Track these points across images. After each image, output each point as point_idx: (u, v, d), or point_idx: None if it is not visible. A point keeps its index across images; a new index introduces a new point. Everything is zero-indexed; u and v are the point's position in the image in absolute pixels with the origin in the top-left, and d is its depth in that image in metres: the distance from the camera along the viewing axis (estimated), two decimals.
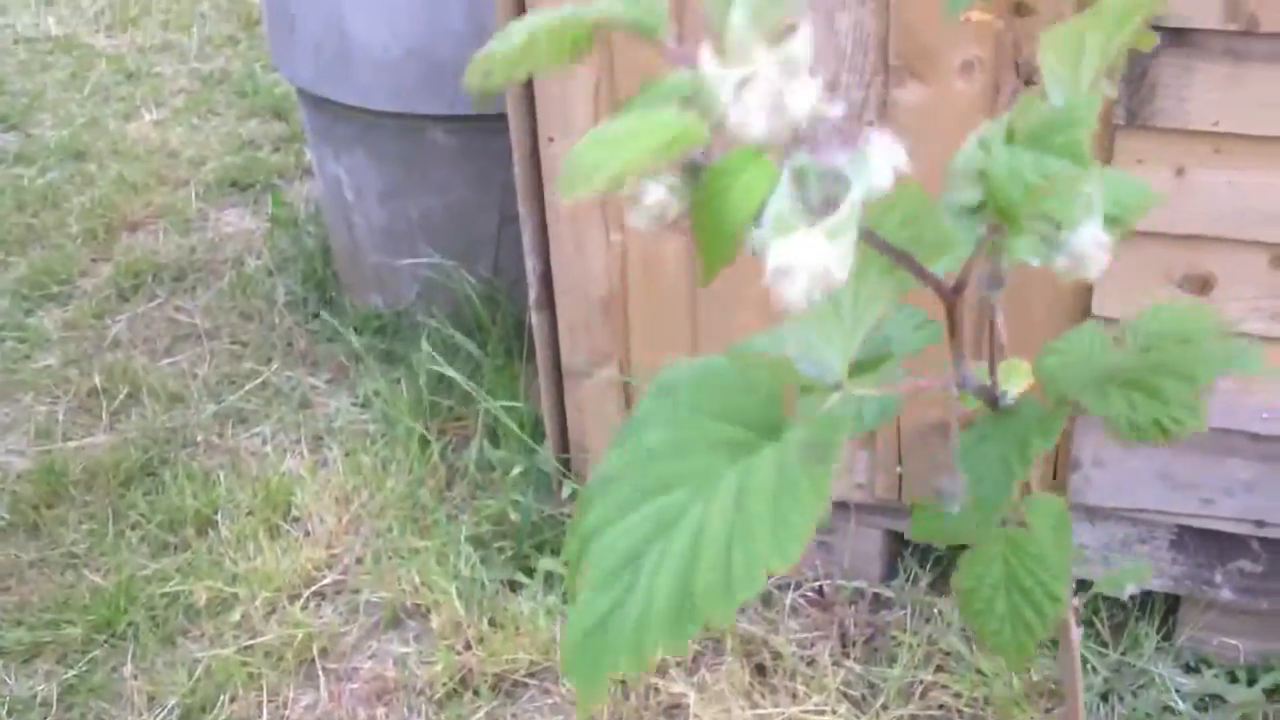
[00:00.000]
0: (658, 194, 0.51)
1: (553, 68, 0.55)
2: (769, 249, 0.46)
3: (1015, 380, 0.69)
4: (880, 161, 0.48)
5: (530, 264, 1.95)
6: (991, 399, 0.69)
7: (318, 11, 2.38)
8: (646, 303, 1.91)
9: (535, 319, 2.00)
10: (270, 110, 3.62)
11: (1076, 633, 0.87)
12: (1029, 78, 0.79)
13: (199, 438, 2.42)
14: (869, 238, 0.53)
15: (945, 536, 0.82)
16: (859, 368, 0.59)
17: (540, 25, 0.53)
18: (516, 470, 2.15)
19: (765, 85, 0.44)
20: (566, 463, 2.11)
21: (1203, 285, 1.60)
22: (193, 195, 3.21)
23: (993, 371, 0.69)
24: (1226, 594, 1.79)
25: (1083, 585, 1.90)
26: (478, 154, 2.46)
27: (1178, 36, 1.46)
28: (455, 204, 2.52)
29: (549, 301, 1.98)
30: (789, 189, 0.46)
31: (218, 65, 3.89)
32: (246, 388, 2.55)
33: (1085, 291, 1.65)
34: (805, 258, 0.46)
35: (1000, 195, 0.54)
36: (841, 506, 1.95)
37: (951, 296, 0.60)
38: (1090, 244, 0.57)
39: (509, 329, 2.45)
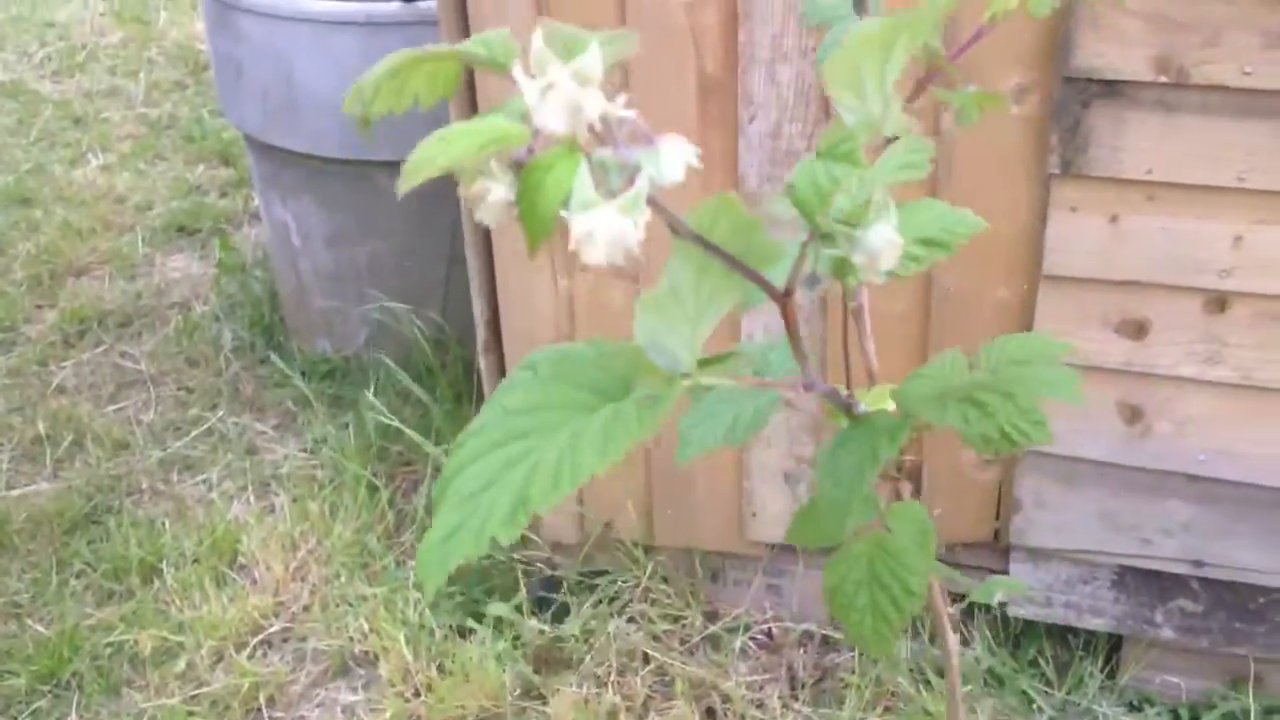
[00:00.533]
0: (499, 193, 0.59)
1: (431, 100, 0.66)
2: (572, 222, 0.56)
3: (874, 400, 0.76)
4: (671, 156, 0.57)
5: (477, 309, 1.96)
6: (847, 408, 0.77)
7: (265, 58, 2.39)
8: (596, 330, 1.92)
9: (483, 362, 2.01)
10: (218, 155, 3.62)
11: (953, 640, 0.99)
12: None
13: (144, 485, 2.40)
14: (703, 244, 0.62)
15: (816, 540, 0.91)
16: (707, 362, 0.68)
17: (407, 56, 0.63)
18: None
19: (563, 92, 0.54)
20: None
21: (1138, 330, 1.63)
22: (139, 241, 3.20)
23: (848, 383, 0.79)
24: (1168, 633, 1.82)
25: (1031, 625, 1.93)
26: (425, 198, 2.45)
27: (1110, 88, 1.49)
28: (403, 248, 2.53)
29: (497, 346, 1.99)
30: (591, 177, 0.56)
31: (165, 110, 3.88)
32: (192, 434, 2.53)
33: (1027, 324, 1.68)
34: (603, 226, 0.55)
35: (801, 201, 0.64)
36: (788, 550, 1.96)
37: (783, 299, 0.68)
38: (882, 241, 0.67)
39: (458, 373, 2.45)
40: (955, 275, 1.68)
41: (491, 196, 0.59)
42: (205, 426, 2.55)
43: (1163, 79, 1.46)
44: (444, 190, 2.32)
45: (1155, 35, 1.45)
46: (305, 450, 2.48)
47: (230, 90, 2.51)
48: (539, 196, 0.56)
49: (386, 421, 2.34)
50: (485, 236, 1.90)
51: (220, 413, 2.59)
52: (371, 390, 2.41)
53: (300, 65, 2.35)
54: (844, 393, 0.77)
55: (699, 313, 0.66)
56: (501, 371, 2.00)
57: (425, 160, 0.55)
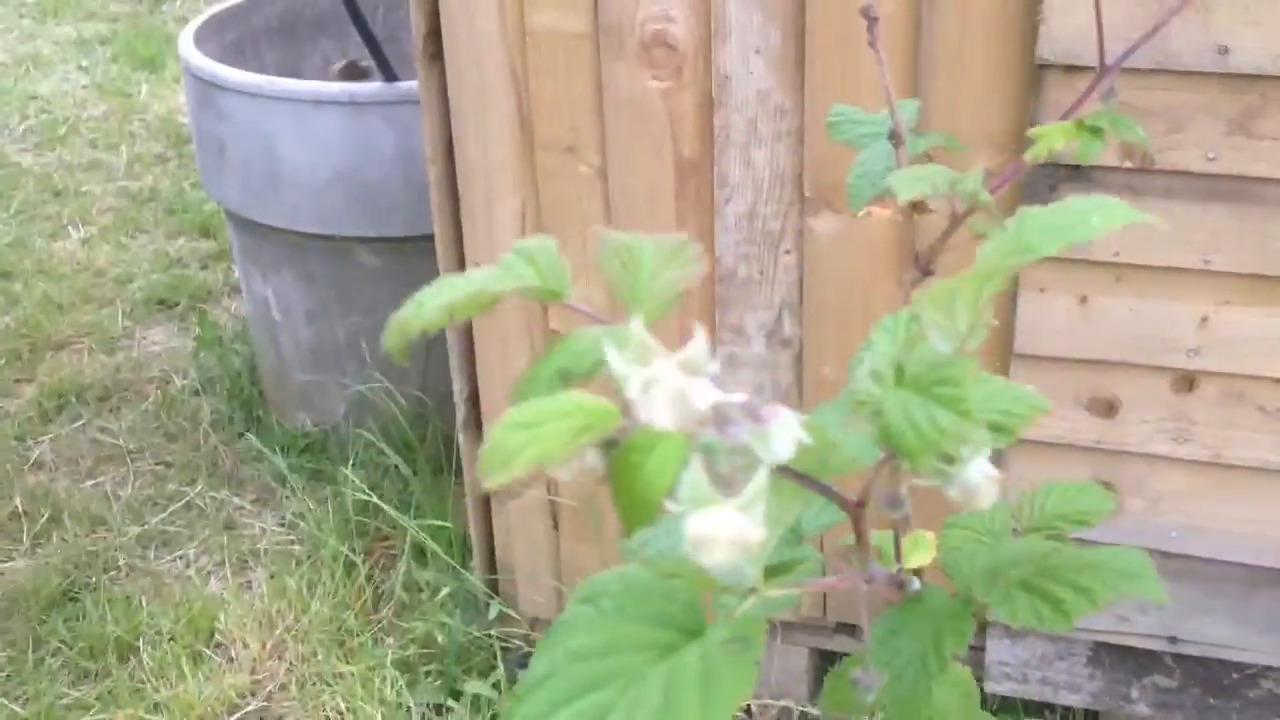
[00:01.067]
0: (585, 459, 0.53)
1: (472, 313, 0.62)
2: (687, 520, 0.49)
3: (918, 554, 0.72)
4: (781, 435, 0.51)
5: (457, 385, 1.97)
6: (898, 585, 0.72)
7: (248, 136, 2.41)
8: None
9: (463, 440, 2.02)
10: (199, 228, 3.64)
11: None
12: (927, 268, 0.84)
13: (121, 561, 2.39)
14: (784, 470, 0.57)
15: (857, 709, 0.83)
16: (772, 571, 0.62)
17: (457, 297, 0.60)
18: (444, 591, 2.15)
19: (668, 386, 0.49)
20: (494, 584, 2.12)
21: (1109, 408, 1.65)
22: (119, 314, 3.20)
23: (898, 558, 0.73)
24: (1143, 708, 1.82)
25: (1008, 701, 1.93)
26: (405, 274, 2.49)
27: (1078, 173, 1.53)
28: (383, 323, 2.51)
29: (476, 422, 2.00)
30: (699, 464, 0.50)
31: (146, 183, 3.91)
32: (170, 509, 2.53)
33: None
34: (722, 529, 0.50)
35: (895, 439, 0.58)
36: (768, 625, 1.96)
37: (856, 511, 0.64)
38: (980, 478, 0.62)
39: (438, 447, 2.46)
40: None
41: (576, 464, 0.54)
42: (183, 501, 2.55)
43: (1128, 164, 1.50)
44: (423, 266, 2.33)
45: None
46: (283, 525, 2.48)
47: (212, 167, 2.54)
48: (638, 481, 0.49)
49: (365, 497, 2.34)
50: None
51: (198, 487, 2.59)
52: (350, 465, 2.41)
53: (283, 143, 2.38)
54: (896, 569, 0.72)
55: (768, 530, 0.61)
56: None
57: (510, 453, 0.49)
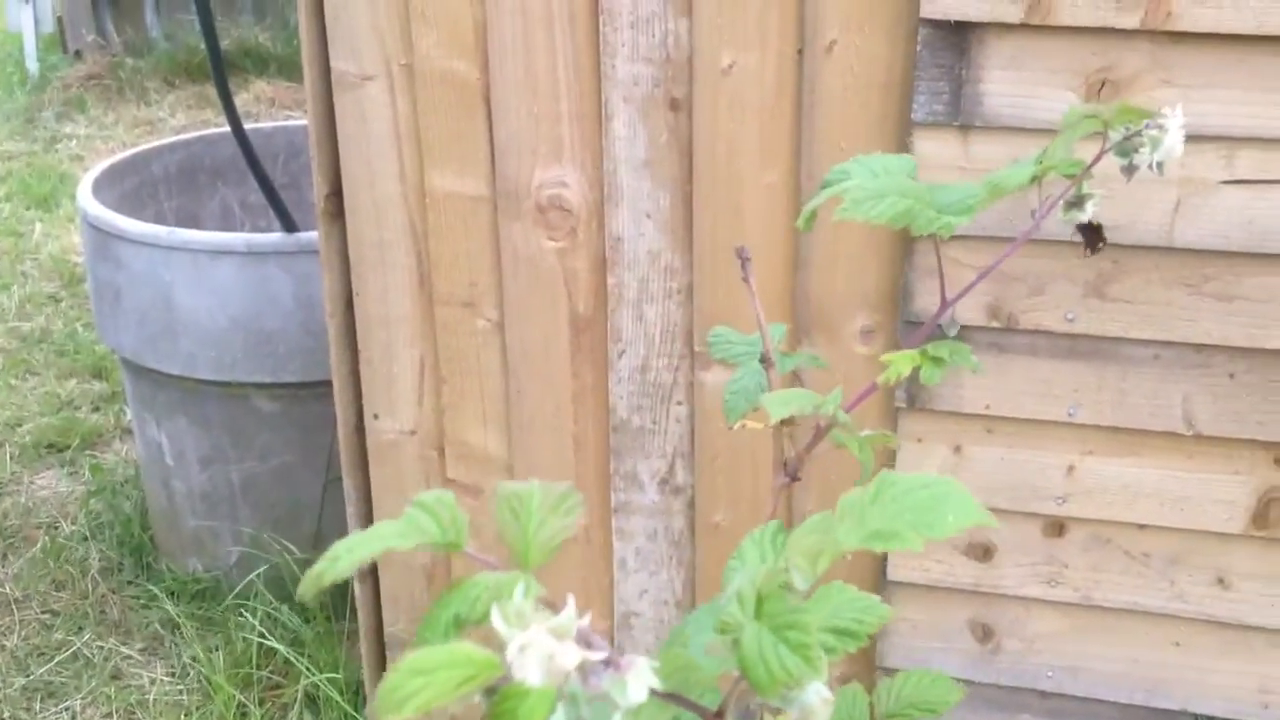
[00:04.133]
0: (471, 697, 0.61)
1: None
2: None
3: None
4: (635, 682, 0.59)
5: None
6: None
7: (145, 285, 2.44)
8: (469, 572, 1.96)
9: (358, 588, 2.03)
10: (91, 369, 3.62)
11: None
12: (794, 474, 0.92)
13: (5, 714, 2.34)
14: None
15: None
16: None
17: (366, 554, 0.68)
18: None
19: (540, 650, 0.57)
20: None
21: (985, 552, 1.73)
22: (7, 458, 3.16)
23: None
24: None
25: None
26: (302, 419, 2.51)
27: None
28: (279, 468, 2.55)
29: (372, 570, 2.02)
30: (564, 711, 0.58)
31: (38, 324, 3.88)
32: (56, 659, 2.48)
33: (880, 558, 1.77)
34: None
35: (749, 672, 0.65)
36: None
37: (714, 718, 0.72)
38: (816, 701, 0.68)
39: (333, 593, 2.46)
40: (815, 500, 1.77)
41: (462, 701, 0.61)
42: (70, 651, 2.51)
43: (995, 324, 1.60)
44: (320, 411, 2.35)
45: (987, 285, 1.58)
46: (173, 674, 2.44)
47: (108, 314, 2.55)
48: None
49: (257, 642, 2.33)
50: (364, 466, 1.95)
51: (86, 636, 2.55)
52: (243, 611, 2.40)
53: (180, 292, 2.41)
54: None
55: None
56: (377, 597, 2.02)
57: (404, 697, 0.57)
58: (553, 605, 0.60)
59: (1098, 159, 0.86)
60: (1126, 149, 0.86)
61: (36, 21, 6.54)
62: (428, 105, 1.70)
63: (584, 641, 0.59)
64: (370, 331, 1.85)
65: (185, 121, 5.77)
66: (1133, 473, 1.64)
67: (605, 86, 1.64)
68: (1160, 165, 0.85)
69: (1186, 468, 1.62)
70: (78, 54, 6.52)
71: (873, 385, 0.91)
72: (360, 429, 1.93)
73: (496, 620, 0.59)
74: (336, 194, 1.79)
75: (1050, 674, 1.77)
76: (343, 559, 0.69)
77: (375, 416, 1.90)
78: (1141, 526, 1.67)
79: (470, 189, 1.74)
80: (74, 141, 5.56)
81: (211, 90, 6.10)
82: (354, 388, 1.91)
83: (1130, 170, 0.86)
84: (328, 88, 1.74)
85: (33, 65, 6.43)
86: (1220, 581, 1.67)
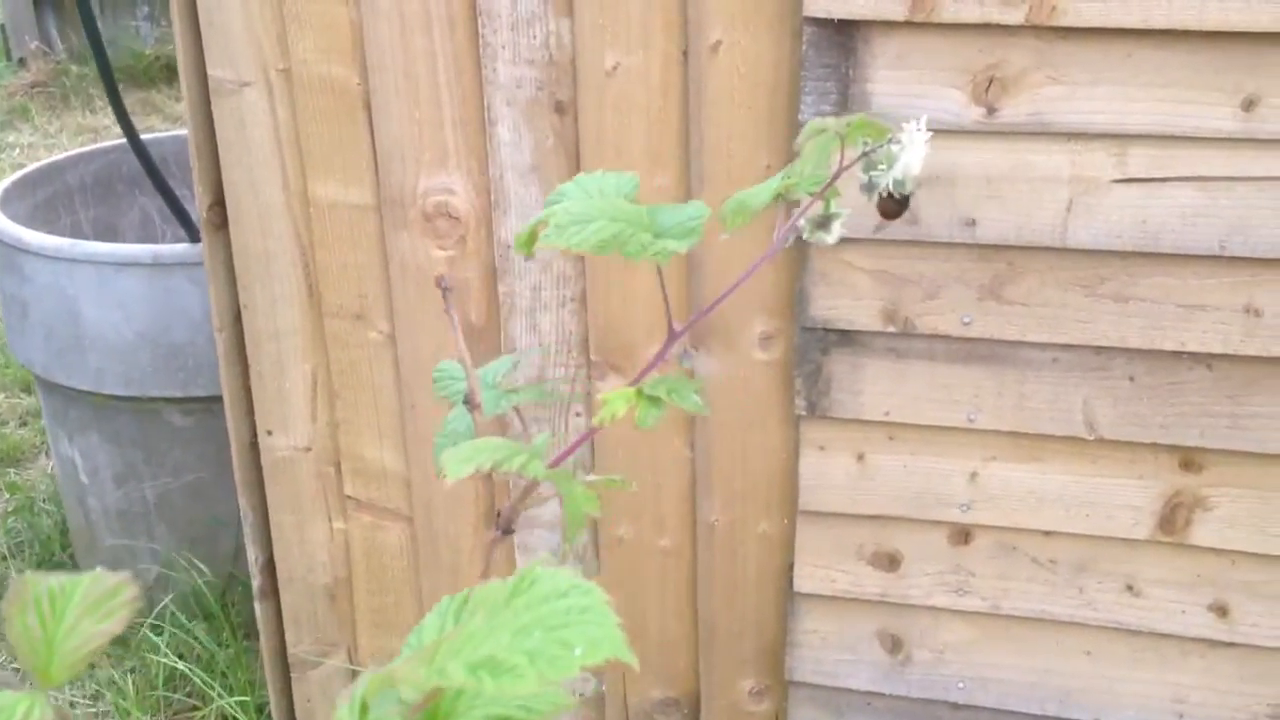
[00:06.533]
0: None
1: None
2: None
3: None
4: None
5: (252, 554, 1.93)
6: None
7: (51, 299, 2.37)
8: (371, 590, 1.91)
9: (259, 609, 1.98)
10: (19, 384, 3.54)
11: None
12: (508, 528, 0.86)
13: None
14: None
15: None
16: None
17: None
18: None
19: None
20: None
21: (891, 562, 1.68)
22: None
23: None
24: None
25: None
26: (215, 434, 2.45)
27: (845, 337, 1.58)
28: (193, 485, 2.49)
29: (273, 590, 1.96)
30: None
31: None
32: None
33: (788, 569, 1.72)
34: None
35: None
36: None
37: None
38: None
39: (248, 614, 2.40)
40: (720, 510, 1.73)
41: None
42: None
43: (891, 329, 1.55)
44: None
45: (881, 289, 1.54)
46: (87, 698, 2.38)
47: (17, 329, 2.49)
48: None
49: (171, 665, 2.27)
50: (259, 484, 1.89)
51: (1, 658, 2.48)
52: (157, 633, 2.34)
53: (86, 305, 2.35)
54: None
55: None
56: (279, 617, 1.97)
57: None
58: None
59: (837, 176, 0.81)
60: (869, 165, 0.81)
61: None
62: (307, 112, 1.65)
63: None
64: (260, 345, 1.79)
65: None
66: (1036, 478, 1.60)
67: (488, 90, 1.59)
68: (899, 183, 0.80)
69: (1090, 472, 1.58)
70: (22, 61, 6.43)
71: (587, 434, 0.87)
72: (254, 446, 1.87)
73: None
74: (220, 204, 1.74)
75: (961, 685, 1.73)
76: None
77: (269, 433, 1.85)
78: (1047, 533, 1.63)
79: (355, 197, 1.68)
80: (17, 150, 5.47)
81: (157, 96, 6.03)
82: (245, 403, 1.85)
83: (870, 189, 0.81)
84: (206, 95, 1.68)
85: None
86: (1129, 588, 1.64)
